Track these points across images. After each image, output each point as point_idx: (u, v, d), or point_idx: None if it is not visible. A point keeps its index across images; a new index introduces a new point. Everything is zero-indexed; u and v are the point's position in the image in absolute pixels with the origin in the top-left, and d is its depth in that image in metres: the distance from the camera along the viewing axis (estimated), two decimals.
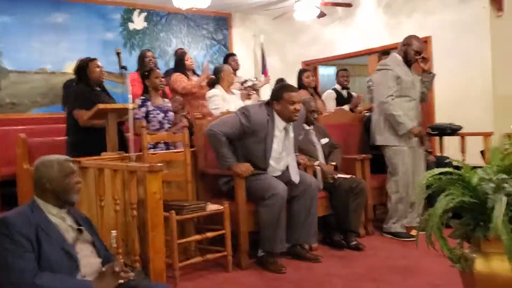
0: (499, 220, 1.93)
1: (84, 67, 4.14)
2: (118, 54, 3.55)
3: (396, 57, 4.48)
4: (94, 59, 4.18)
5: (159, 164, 2.78)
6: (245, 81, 5.40)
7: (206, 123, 4.07)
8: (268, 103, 3.83)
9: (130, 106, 3.38)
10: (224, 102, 4.78)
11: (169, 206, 3.43)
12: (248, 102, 4.94)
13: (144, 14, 7.68)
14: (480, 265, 2.07)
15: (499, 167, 2.14)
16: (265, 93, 5.96)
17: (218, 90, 4.89)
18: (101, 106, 3.50)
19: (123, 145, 3.90)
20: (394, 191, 4.38)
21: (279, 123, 3.76)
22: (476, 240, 2.12)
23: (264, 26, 8.62)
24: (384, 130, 4.39)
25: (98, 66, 4.16)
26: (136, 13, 7.62)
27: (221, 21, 8.47)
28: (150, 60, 5.39)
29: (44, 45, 6.80)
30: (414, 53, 4.39)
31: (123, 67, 3.47)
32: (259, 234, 3.69)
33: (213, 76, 5.08)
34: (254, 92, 5.47)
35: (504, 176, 2.06)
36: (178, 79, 5.23)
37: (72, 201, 2.32)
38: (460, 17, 6.42)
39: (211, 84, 5.03)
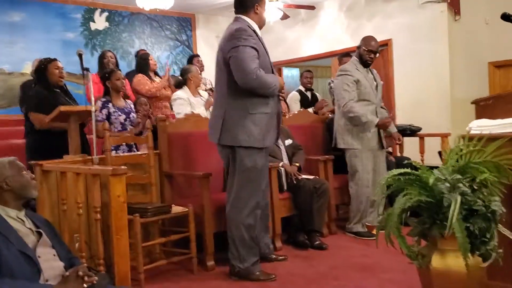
0: (454, 218, 2.03)
1: (42, 68, 4.01)
2: (80, 55, 3.50)
3: (354, 60, 4.58)
4: (54, 60, 4.05)
5: (123, 167, 2.77)
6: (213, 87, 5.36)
7: (169, 126, 4.07)
8: None
9: (93, 108, 3.34)
10: (188, 106, 4.74)
11: (133, 209, 3.41)
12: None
13: (105, 14, 7.58)
14: (436, 261, 2.17)
15: (454, 168, 2.23)
16: None
17: (183, 93, 4.85)
18: (62, 108, 3.44)
19: (84, 148, 3.85)
20: (354, 192, 4.48)
21: None
22: (432, 238, 2.22)
23: None
24: (344, 133, 4.49)
25: (58, 68, 4.03)
26: (97, 12, 7.51)
27: (184, 22, 8.45)
28: (109, 60, 5.33)
29: (0, 45, 6.63)
30: (367, 52, 4.47)
31: (86, 69, 3.43)
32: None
33: (179, 77, 5.05)
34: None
35: (459, 176, 2.15)
36: (142, 81, 5.20)
37: (33, 197, 2.34)
38: (419, 21, 6.61)
39: (178, 85, 5.00)
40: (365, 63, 4.52)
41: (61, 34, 7.15)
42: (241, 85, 3.25)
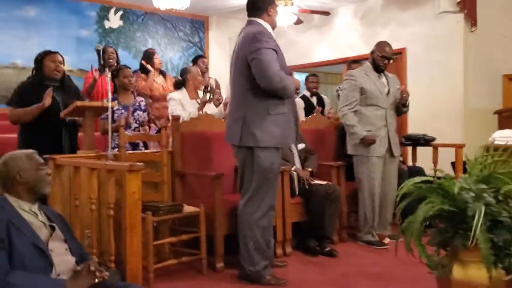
0: (478, 228, 1.99)
1: (39, 60, 3.86)
2: (98, 51, 3.48)
3: (366, 65, 4.56)
4: (53, 53, 3.87)
5: (139, 164, 2.74)
6: (205, 87, 5.21)
7: (183, 125, 4.05)
8: None
9: (109, 104, 3.32)
10: (181, 107, 4.64)
11: (146, 206, 3.39)
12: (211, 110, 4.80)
13: (120, 13, 7.59)
14: (457, 272, 2.13)
15: (478, 178, 2.19)
16: None
17: (178, 94, 4.76)
18: (79, 103, 3.43)
19: (72, 145, 3.85)
20: (360, 199, 4.42)
21: None
22: (454, 248, 2.18)
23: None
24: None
25: (54, 61, 3.83)
26: (112, 11, 7.52)
27: (197, 24, 8.46)
28: (110, 56, 5.29)
29: (15, 39, 6.64)
30: (381, 58, 4.44)
31: (104, 66, 3.40)
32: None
33: (179, 78, 5.04)
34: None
35: (483, 186, 2.12)
36: (138, 80, 5.32)
37: (44, 193, 2.32)
38: (434, 31, 6.59)
39: (178, 85, 4.95)
40: (378, 69, 4.50)
41: (75, 31, 7.17)
42: (265, 87, 3.25)
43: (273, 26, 3.51)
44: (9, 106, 3.79)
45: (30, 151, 2.37)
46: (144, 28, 7.83)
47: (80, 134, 3.90)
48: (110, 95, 3.32)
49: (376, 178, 4.37)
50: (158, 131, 4.80)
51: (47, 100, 3.57)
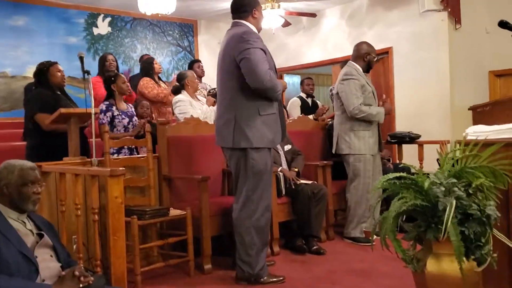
0: (449, 222, 2.03)
1: (44, 71, 4.03)
2: (81, 58, 3.51)
3: (355, 66, 4.58)
4: (55, 63, 4.08)
5: (121, 169, 2.78)
6: (209, 91, 5.42)
7: (169, 129, 4.09)
8: None
9: (93, 110, 3.36)
10: (191, 108, 4.76)
11: (131, 211, 3.44)
12: (213, 108, 4.95)
13: (108, 19, 7.63)
14: (431, 265, 2.17)
15: (450, 173, 2.24)
16: None
17: (184, 96, 4.88)
18: (63, 110, 3.46)
19: (85, 150, 3.87)
20: (353, 196, 4.49)
21: None
22: (428, 242, 2.22)
23: None
24: (349, 139, 4.49)
25: (59, 71, 4.07)
26: (100, 18, 7.56)
27: (186, 28, 8.50)
28: (110, 63, 5.36)
29: (4, 48, 6.68)
30: (374, 58, 4.56)
31: (86, 72, 3.44)
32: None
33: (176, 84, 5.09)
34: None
35: (454, 180, 2.16)
36: (150, 85, 5.24)
37: (27, 211, 2.30)
38: (419, 30, 6.66)
39: (176, 91, 5.03)
40: (369, 69, 4.58)
41: (64, 38, 7.20)
42: (254, 86, 3.23)
43: (258, 29, 3.50)
44: (41, 113, 3.86)
45: (29, 164, 2.35)
46: (133, 33, 7.87)
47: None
48: (92, 100, 3.34)
49: (371, 176, 4.47)
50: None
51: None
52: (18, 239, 2.19)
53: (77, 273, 2.16)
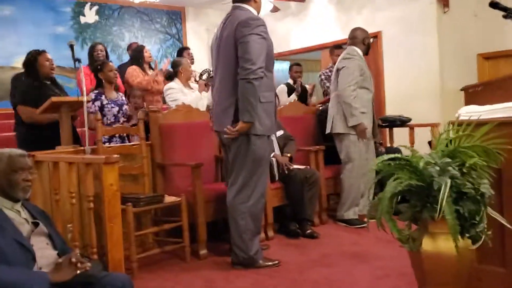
0: (444, 201, 2.06)
1: (32, 60, 3.99)
2: (71, 46, 3.48)
3: (357, 50, 4.58)
4: (43, 52, 4.03)
5: (115, 156, 2.77)
6: (201, 74, 5.41)
7: (162, 117, 4.08)
8: None
9: (84, 98, 3.34)
10: (182, 95, 4.75)
11: (126, 198, 3.43)
12: (205, 94, 4.95)
13: (95, 8, 7.56)
14: (427, 244, 2.19)
15: (444, 152, 2.26)
16: None
17: (175, 84, 4.86)
18: (54, 99, 3.43)
19: (75, 141, 3.84)
20: (347, 178, 4.51)
21: None
22: (423, 221, 2.24)
23: (218, 20, 8.44)
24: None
25: (48, 59, 4.02)
26: (87, 6, 7.49)
27: (174, 15, 8.43)
28: (98, 53, 5.31)
29: None
30: (371, 41, 4.61)
31: (77, 60, 3.41)
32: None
33: (170, 70, 5.06)
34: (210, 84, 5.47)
35: (448, 160, 2.18)
36: (134, 73, 5.16)
37: (17, 198, 2.28)
38: (408, 13, 6.66)
39: (169, 78, 5.00)
40: (367, 53, 4.63)
41: (51, 28, 7.13)
42: (241, 66, 3.19)
43: (258, 12, 3.46)
44: (22, 105, 3.86)
45: (19, 152, 2.32)
46: (121, 22, 7.80)
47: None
48: (84, 89, 3.32)
49: (365, 159, 4.50)
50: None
51: None
52: (14, 228, 2.17)
53: (73, 259, 2.15)
